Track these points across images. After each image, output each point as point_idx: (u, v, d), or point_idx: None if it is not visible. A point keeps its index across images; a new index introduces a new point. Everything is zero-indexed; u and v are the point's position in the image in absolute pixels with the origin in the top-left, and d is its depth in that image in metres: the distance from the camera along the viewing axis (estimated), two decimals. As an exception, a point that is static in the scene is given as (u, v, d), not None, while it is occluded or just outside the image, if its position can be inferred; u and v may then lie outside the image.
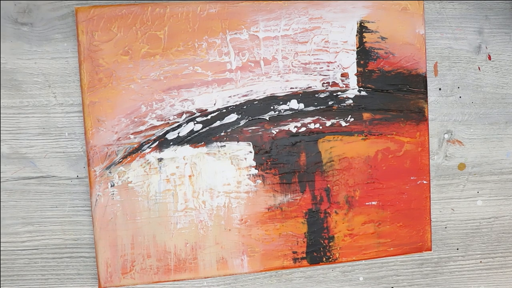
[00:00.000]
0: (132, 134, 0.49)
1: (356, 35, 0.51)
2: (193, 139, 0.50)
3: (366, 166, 0.53)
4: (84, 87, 0.48)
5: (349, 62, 0.52)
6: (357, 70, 0.52)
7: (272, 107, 0.51)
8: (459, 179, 0.56)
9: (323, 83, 0.51)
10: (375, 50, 0.52)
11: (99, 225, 0.49)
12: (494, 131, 0.56)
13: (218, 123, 0.50)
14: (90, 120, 0.48)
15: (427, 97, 0.53)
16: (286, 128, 0.51)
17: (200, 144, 0.50)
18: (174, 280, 0.50)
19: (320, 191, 0.52)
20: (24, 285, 0.50)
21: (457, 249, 0.56)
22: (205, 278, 0.51)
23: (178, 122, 0.49)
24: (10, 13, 0.47)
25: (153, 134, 0.49)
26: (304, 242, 0.52)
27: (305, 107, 0.51)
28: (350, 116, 0.52)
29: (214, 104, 0.50)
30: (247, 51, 0.50)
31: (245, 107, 0.50)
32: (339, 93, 0.52)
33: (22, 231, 0.49)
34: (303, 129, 0.51)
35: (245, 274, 0.52)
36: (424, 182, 0.54)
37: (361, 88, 0.52)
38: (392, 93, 0.53)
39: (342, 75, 0.52)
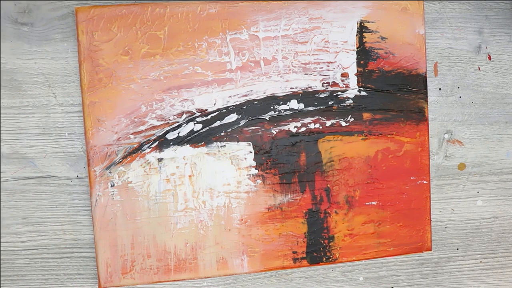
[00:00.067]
0: (132, 134, 0.49)
1: (356, 35, 0.51)
2: (193, 139, 0.50)
3: (366, 166, 0.53)
4: (84, 87, 0.48)
5: (349, 62, 0.52)
6: (357, 70, 0.52)
7: (272, 107, 0.51)
8: (459, 179, 0.56)
9: (323, 83, 0.51)
10: (375, 50, 0.52)
11: (99, 225, 0.49)
12: (494, 131, 0.56)
13: (218, 123, 0.50)
14: (90, 120, 0.48)
15: (427, 97, 0.53)
16: (286, 128, 0.51)
17: (200, 144, 0.50)
18: (174, 280, 0.50)
19: (320, 191, 0.52)
20: (24, 285, 0.50)
21: (457, 249, 0.56)
22: (205, 278, 0.51)
23: (178, 122, 0.49)
24: (10, 13, 0.47)
25: (153, 134, 0.49)
26: (304, 242, 0.52)
27: (305, 107, 0.51)
28: (350, 116, 0.52)
29: (214, 104, 0.50)
30: (247, 51, 0.50)
31: (245, 107, 0.50)
32: (339, 93, 0.52)
33: (22, 231, 0.49)
34: (303, 129, 0.51)
35: (245, 274, 0.52)
36: (424, 182, 0.54)
37: (361, 88, 0.52)
38: (392, 93, 0.53)
39: (342, 75, 0.52)
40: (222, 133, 0.50)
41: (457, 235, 0.56)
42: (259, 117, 0.51)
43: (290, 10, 0.50)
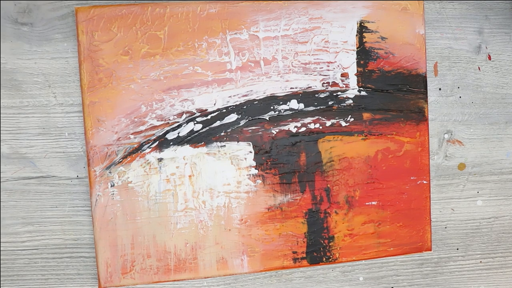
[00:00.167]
0: (132, 134, 0.49)
1: (356, 35, 0.51)
2: (193, 139, 0.50)
3: (366, 166, 0.53)
4: (84, 87, 0.48)
5: (349, 62, 0.52)
6: (357, 70, 0.52)
7: (272, 107, 0.51)
8: (459, 179, 0.56)
9: (323, 83, 0.51)
10: (375, 50, 0.52)
11: (99, 225, 0.49)
12: (494, 131, 0.56)
13: (218, 123, 0.50)
14: (90, 120, 0.48)
15: (427, 97, 0.53)
16: (286, 128, 0.51)
17: (200, 144, 0.50)
18: (174, 280, 0.50)
19: (320, 191, 0.52)
20: (24, 285, 0.50)
21: (457, 249, 0.56)
22: (205, 278, 0.51)
23: (178, 122, 0.49)
24: (10, 13, 0.47)
25: (153, 134, 0.49)
26: (304, 242, 0.52)
27: (305, 107, 0.51)
28: (350, 116, 0.52)
29: (214, 104, 0.50)
30: (247, 51, 0.50)
31: (245, 107, 0.50)
32: (339, 93, 0.52)
33: (22, 231, 0.49)
34: (303, 129, 0.51)
35: (245, 274, 0.52)
36: (424, 182, 0.54)
37: (361, 88, 0.52)
38: (392, 93, 0.53)
39: (342, 75, 0.52)
40: (222, 133, 0.50)
41: (457, 235, 0.56)
42: (259, 117, 0.51)
43: (290, 10, 0.50)
